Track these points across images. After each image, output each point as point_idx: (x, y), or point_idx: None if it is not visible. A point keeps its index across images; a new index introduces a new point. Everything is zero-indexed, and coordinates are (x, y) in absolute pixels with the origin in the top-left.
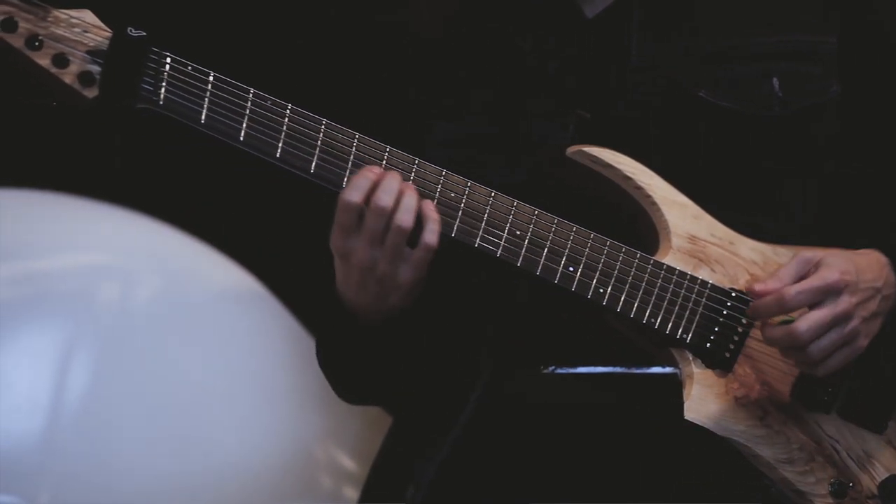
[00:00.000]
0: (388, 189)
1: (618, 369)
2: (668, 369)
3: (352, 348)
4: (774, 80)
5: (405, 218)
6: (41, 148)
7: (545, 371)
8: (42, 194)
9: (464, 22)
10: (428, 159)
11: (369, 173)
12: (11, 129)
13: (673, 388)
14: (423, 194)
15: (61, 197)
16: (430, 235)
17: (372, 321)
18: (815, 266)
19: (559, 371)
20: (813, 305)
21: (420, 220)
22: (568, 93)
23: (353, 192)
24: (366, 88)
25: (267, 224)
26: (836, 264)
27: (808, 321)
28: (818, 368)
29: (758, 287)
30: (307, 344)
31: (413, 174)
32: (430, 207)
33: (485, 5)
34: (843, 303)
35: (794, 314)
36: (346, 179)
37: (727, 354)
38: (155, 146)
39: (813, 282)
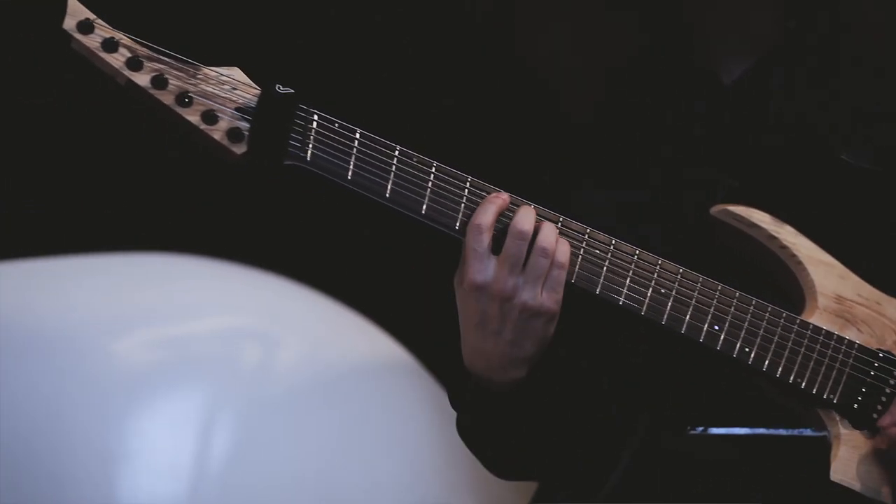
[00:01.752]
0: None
1: (764, 430)
2: (814, 431)
3: (487, 418)
4: None
5: (548, 237)
6: (184, 210)
7: (692, 432)
8: (185, 258)
9: (611, 97)
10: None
11: (491, 198)
12: (154, 193)
13: (819, 450)
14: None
15: (204, 260)
16: (562, 255)
17: (500, 386)
18: None
19: (706, 432)
20: None
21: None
22: (713, 159)
23: (483, 215)
24: (515, 152)
25: (414, 290)
26: None
27: None
28: None
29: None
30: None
31: (558, 230)
32: (547, 228)
33: (629, 82)
34: None
35: None
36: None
37: (875, 415)
38: (295, 209)
39: None
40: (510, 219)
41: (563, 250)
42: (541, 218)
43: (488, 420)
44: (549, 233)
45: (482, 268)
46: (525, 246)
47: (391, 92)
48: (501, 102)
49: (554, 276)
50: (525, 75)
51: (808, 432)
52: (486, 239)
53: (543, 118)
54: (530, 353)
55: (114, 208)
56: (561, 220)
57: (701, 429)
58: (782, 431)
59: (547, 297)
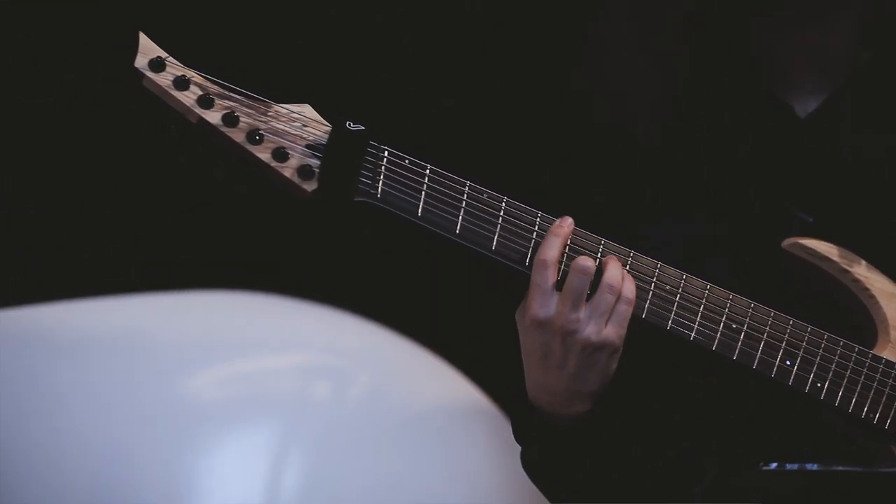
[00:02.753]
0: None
1: (839, 467)
2: (888, 467)
3: (552, 452)
4: None
5: (614, 273)
6: (255, 248)
7: (764, 468)
8: (255, 295)
9: (680, 129)
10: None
11: (556, 230)
12: (225, 231)
13: (894, 486)
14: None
15: (274, 297)
16: (627, 292)
17: (565, 422)
18: None
19: (780, 468)
20: None
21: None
22: (788, 192)
23: (549, 250)
24: (583, 183)
25: (483, 325)
26: None
27: None
28: None
29: None
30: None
31: (628, 266)
32: (612, 262)
33: (701, 111)
34: None
35: None
36: (560, 271)
37: None
38: (366, 246)
39: None
40: (576, 250)
41: (630, 287)
42: (607, 251)
43: (554, 455)
44: (614, 269)
45: (545, 303)
46: (587, 281)
47: (456, 124)
48: (567, 132)
49: (620, 312)
50: (586, 102)
51: (883, 468)
52: (552, 275)
53: (609, 147)
54: (594, 388)
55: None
56: (631, 254)
57: (775, 465)
58: (857, 468)
59: (611, 332)
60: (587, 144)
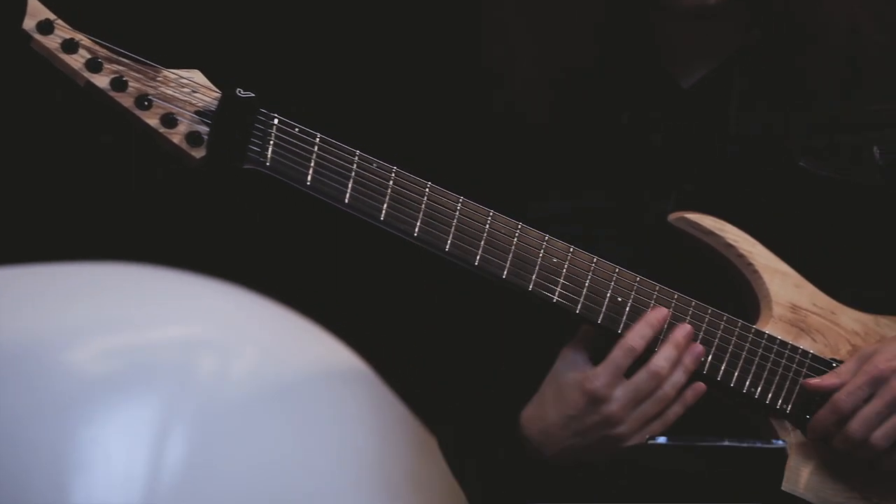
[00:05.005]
0: (668, 357)
1: (718, 441)
2: (767, 441)
3: (507, 476)
4: (875, 149)
5: (669, 393)
6: (138, 219)
7: (651, 442)
8: (138, 267)
9: (566, 105)
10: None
11: (655, 321)
12: (106, 201)
13: (772, 460)
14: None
15: (158, 270)
16: (671, 416)
17: (548, 458)
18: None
19: (662, 442)
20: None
21: None
22: (671, 164)
23: (637, 338)
24: (472, 160)
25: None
26: (886, 351)
27: (859, 421)
28: (884, 462)
29: (812, 382)
30: (409, 424)
31: (516, 238)
32: (691, 392)
33: (584, 85)
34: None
35: None
36: (448, 243)
37: None
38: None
39: (858, 379)
40: (464, 220)
41: (685, 401)
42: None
43: (519, 477)
44: (672, 386)
45: (611, 382)
46: (656, 388)
47: (351, 96)
48: (464, 107)
49: (650, 429)
50: (490, 79)
51: (760, 443)
52: (627, 364)
53: (502, 123)
54: (588, 459)
55: (60, 213)
56: (519, 226)
57: (663, 439)
58: (742, 443)
59: (634, 441)
60: (475, 121)
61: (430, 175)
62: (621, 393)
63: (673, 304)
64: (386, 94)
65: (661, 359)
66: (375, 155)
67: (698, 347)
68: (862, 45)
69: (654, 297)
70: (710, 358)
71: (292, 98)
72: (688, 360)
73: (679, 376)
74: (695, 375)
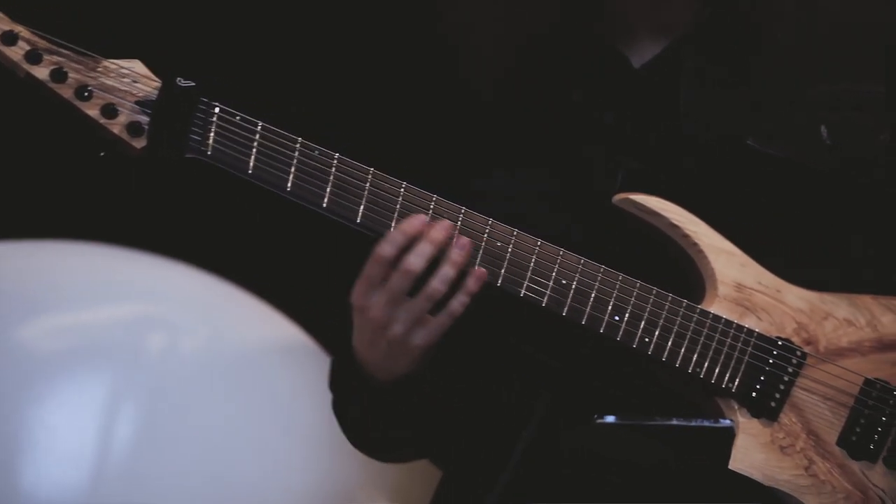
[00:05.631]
0: (420, 253)
1: (665, 421)
2: (714, 420)
3: (362, 406)
4: (822, 128)
5: (437, 287)
6: (86, 198)
7: (597, 421)
8: (87, 245)
9: (516, 81)
10: (482, 212)
11: (409, 227)
12: (57, 179)
13: (719, 439)
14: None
15: (106, 247)
16: (457, 305)
17: (382, 381)
18: None
19: (607, 422)
20: None
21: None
22: (621, 143)
23: (387, 245)
24: (417, 139)
25: (313, 274)
26: None
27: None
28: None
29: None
30: None
31: (459, 223)
32: (472, 280)
33: (536, 62)
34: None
35: None
36: (392, 228)
37: (773, 404)
38: (198, 195)
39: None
40: (407, 207)
41: (462, 300)
42: (439, 217)
43: (370, 407)
44: (441, 281)
45: (366, 292)
46: (408, 282)
47: (293, 78)
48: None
49: (438, 323)
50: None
51: (707, 422)
52: (381, 273)
53: (452, 96)
54: (407, 369)
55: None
56: (463, 211)
57: (611, 418)
58: (690, 422)
59: (419, 339)
60: (421, 97)
61: (374, 146)
62: (376, 297)
63: (617, 286)
64: (337, 64)
65: (413, 256)
66: (324, 126)
67: (463, 240)
68: (812, 25)
69: (599, 278)
70: (654, 338)
71: (235, 73)
72: (455, 255)
73: (446, 270)
74: (639, 356)
